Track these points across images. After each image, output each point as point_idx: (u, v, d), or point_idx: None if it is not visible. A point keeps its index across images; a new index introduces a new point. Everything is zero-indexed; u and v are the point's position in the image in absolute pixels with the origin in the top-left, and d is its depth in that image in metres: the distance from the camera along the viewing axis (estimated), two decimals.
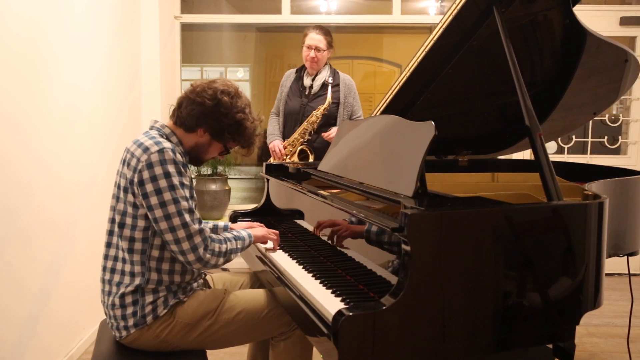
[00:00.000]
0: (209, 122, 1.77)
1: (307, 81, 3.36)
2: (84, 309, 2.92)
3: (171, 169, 1.65)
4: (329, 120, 3.30)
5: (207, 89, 1.76)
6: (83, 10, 2.86)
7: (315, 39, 3.25)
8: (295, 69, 3.46)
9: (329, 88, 3.25)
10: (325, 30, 3.31)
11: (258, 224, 2.10)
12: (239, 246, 1.82)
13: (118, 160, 1.80)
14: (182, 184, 1.67)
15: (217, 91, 1.76)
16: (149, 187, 1.63)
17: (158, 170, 1.63)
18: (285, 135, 3.41)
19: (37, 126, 2.42)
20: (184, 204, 1.65)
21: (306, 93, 3.35)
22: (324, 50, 3.27)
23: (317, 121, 3.24)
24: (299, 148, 3.30)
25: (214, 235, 1.76)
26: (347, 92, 3.32)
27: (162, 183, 1.63)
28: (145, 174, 1.64)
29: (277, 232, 2.04)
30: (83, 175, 2.88)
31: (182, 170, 1.69)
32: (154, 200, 1.63)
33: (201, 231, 1.68)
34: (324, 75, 3.33)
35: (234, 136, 1.81)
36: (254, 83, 7.06)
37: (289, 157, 3.33)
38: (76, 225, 2.80)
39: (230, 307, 1.81)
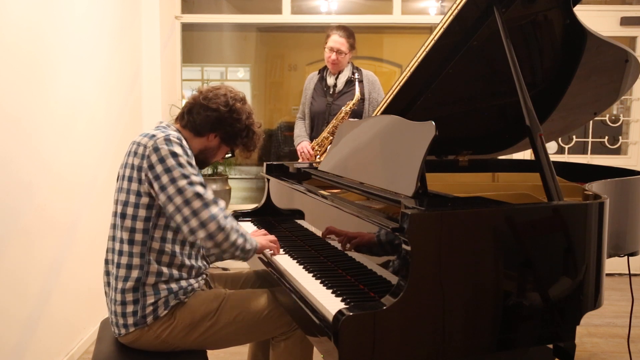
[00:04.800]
0: (223, 128, 1.84)
1: (330, 80, 3.36)
2: (84, 309, 2.92)
3: (177, 149, 1.69)
4: (355, 116, 3.27)
5: (219, 95, 1.82)
6: (84, 11, 2.86)
7: (337, 41, 3.23)
8: (317, 71, 3.45)
9: (356, 83, 3.25)
10: (349, 32, 3.28)
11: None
12: (245, 239, 1.77)
13: (119, 160, 1.81)
14: (190, 164, 1.71)
15: (229, 97, 1.83)
16: (159, 168, 1.67)
17: (164, 151, 1.67)
18: (314, 137, 3.38)
19: (38, 126, 2.43)
20: (194, 178, 1.68)
21: (331, 92, 3.35)
22: (346, 54, 3.26)
23: (347, 117, 3.22)
24: (328, 146, 3.23)
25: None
26: (371, 88, 3.32)
27: (170, 162, 1.67)
28: (154, 157, 1.67)
29: (275, 239, 2.00)
30: (84, 175, 2.89)
31: (189, 154, 1.73)
32: (165, 179, 1.66)
33: (216, 201, 1.71)
34: (347, 72, 3.33)
35: (244, 140, 1.89)
36: (254, 83, 7.06)
37: (319, 157, 3.28)
38: (77, 226, 2.80)
39: (230, 307, 1.81)
